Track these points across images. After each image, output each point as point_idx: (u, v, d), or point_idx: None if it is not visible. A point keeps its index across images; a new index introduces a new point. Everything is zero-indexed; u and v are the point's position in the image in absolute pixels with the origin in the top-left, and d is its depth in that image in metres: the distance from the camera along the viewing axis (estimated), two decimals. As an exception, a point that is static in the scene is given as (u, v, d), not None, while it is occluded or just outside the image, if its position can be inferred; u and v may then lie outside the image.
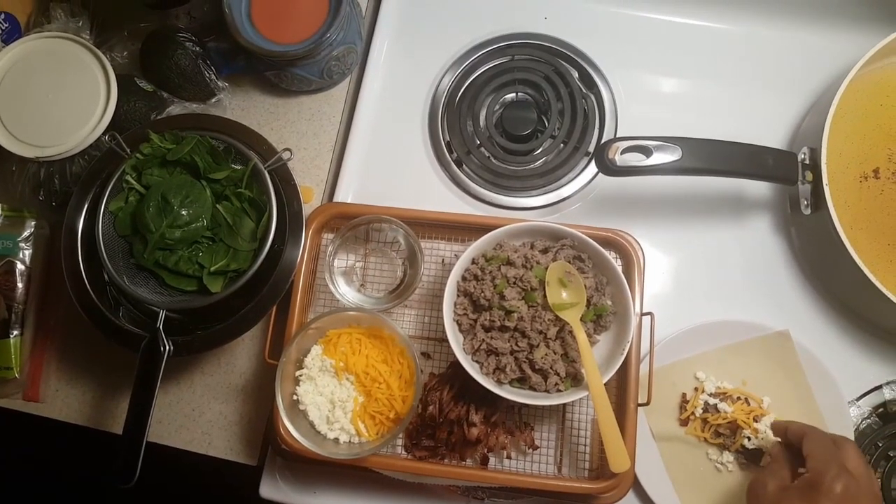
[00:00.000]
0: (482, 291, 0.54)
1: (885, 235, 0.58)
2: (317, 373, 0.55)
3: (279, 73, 0.66)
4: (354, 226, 0.59)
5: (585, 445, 0.57)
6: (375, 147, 0.68)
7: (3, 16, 0.65)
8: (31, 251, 0.64)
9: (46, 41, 0.62)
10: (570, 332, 0.53)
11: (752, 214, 0.64)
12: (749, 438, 0.56)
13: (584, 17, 0.70)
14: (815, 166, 0.57)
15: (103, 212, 0.56)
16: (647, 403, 0.54)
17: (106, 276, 0.58)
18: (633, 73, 0.68)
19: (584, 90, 0.68)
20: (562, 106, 0.67)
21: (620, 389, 0.55)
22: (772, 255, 0.63)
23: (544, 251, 0.56)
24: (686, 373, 0.59)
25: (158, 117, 0.63)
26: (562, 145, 0.66)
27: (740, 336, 0.59)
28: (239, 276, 0.55)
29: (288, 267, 0.57)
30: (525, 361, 0.54)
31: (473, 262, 0.56)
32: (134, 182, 0.58)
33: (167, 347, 0.54)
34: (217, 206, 0.58)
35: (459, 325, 0.56)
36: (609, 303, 0.55)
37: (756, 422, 0.56)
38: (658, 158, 0.55)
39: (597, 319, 0.55)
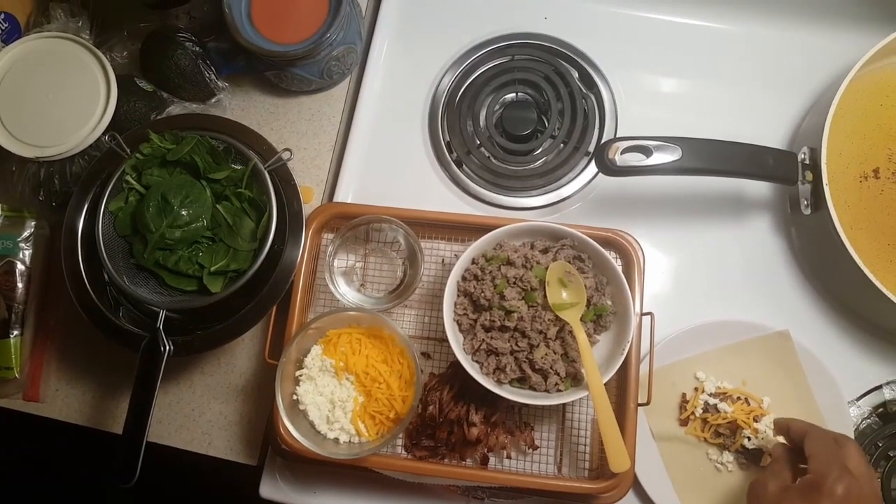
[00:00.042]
0: (482, 291, 0.54)
1: (885, 235, 0.58)
2: (317, 373, 0.55)
3: (279, 73, 0.66)
4: (354, 226, 0.59)
5: (585, 445, 0.57)
6: (375, 147, 0.68)
7: (2, 16, 0.65)
8: (31, 251, 0.64)
9: (46, 41, 0.62)
10: (570, 332, 0.53)
11: (752, 214, 0.64)
12: (749, 438, 0.56)
13: (584, 17, 0.70)
14: (815, 166, 0.57)
15: (103, 212, 0.56)
16: (647, 403, 0.54)
17: (106, 276, 0.58)
18: (633, 73, 0.68)
19: (584, 90, 0.68)
20: (562, 106, 0.67)
21: (620, 389, 0.55)
22: (772, 255, 0.63)
23: (544, 251, 0.56)
24: (686, 373, 0.59)
25: (158, 117, 0.63)
26: (562, 145, 0.66)
27: (740, 336, 0.59)
28: (239, 277, 0.55)
29: (288, 267, 0.57)
30: (525, 361, 0.54)
31: (473, 262, 0.56)
32: (134, 182, 0.58)
33: (167, 347, 0.54)
34: (217, 206, 0.58)
35: (459, 325, 0.56)
36: (609, 303, 0.55)
37: (756, 422, 0.56)
38: (658, 158, 0.55)
39: (597, 319, 0.55)
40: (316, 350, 0.55)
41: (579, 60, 0.68)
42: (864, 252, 0.54)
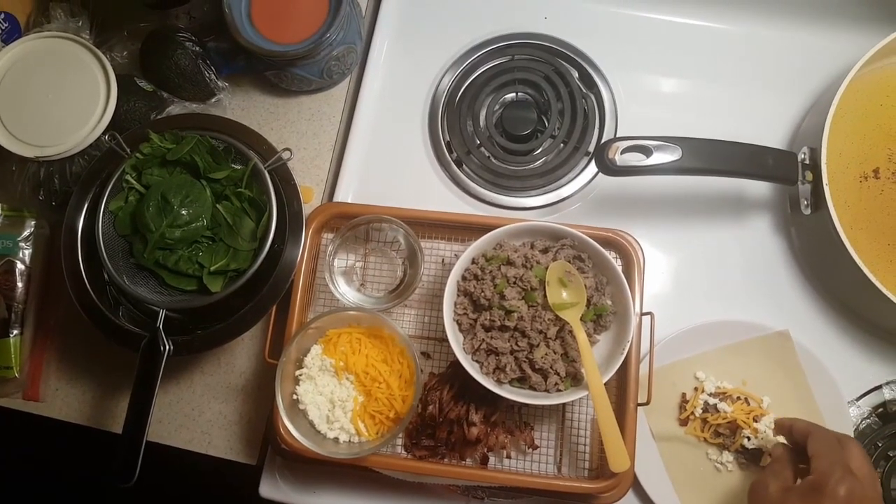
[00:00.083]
0: (482, 291, 0.54)
1: (885, 235, 0.58)
2: (317, 372, 0.55)
3: (279, 73, 0.66)
4: (354, 225, 0.59)
5: (585, 445, 0.57)
6: (375, 147, 0.68)
7: (2, 15, 0.65)
8: (30, 251, 0.64)
9: (46, 41, 0.62)
10: (570, 331, 0.53)
11: (752, 214, 0.64)
12: (749, 438, 0.56)
13: (584, 17, 0.70)
14: (815, 166, 0.57)
15: (103, 211, 0.56)
16: (647, 403, 0.54)
17: (106, 276, 0.58)
18: (633, 72, 0.68)
19: (584, 90, 0.68)
20: (562, 106, 0.67)
21: (620, 389, 0.55)
22: (772, 255, 0.63)
23: (544, 251, 0.56)
24: (686, 373, 0.59)
25: (158, 117, 0.63)
26: (562, 145, 0.66)
27: (740, 336, 0.59)
28: (239, 276, 0.55)
29: (288, 267, 0.57)
30: (525, 361, 0.54)
31: (473, 261, 0.56)
32: (134, 182, 0.58)
33: (167, 347, 0.54)
34: (217, 205, 0.58)
35: (459, 324, 0.56)
36: (609, 302, 0.55)
37: (756, 422, 0.56)
38: (658, 158, 0.55)
39: (597, 319, 0.55)
40: (316, 350, 0.55)
41: (579, 60, 0.68)
42: (864, 252, 0.54)
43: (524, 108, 0.66)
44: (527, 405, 0.56)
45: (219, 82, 0.66)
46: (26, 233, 0.64)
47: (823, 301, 0.61)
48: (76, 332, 0.65)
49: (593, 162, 0.64)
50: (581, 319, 0.53)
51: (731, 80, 0.67)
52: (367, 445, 0.53)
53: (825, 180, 0.55)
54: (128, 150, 0.58)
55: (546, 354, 0.53)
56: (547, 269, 0.54)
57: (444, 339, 0.55)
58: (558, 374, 0.53)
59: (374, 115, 0.68)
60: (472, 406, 0.55)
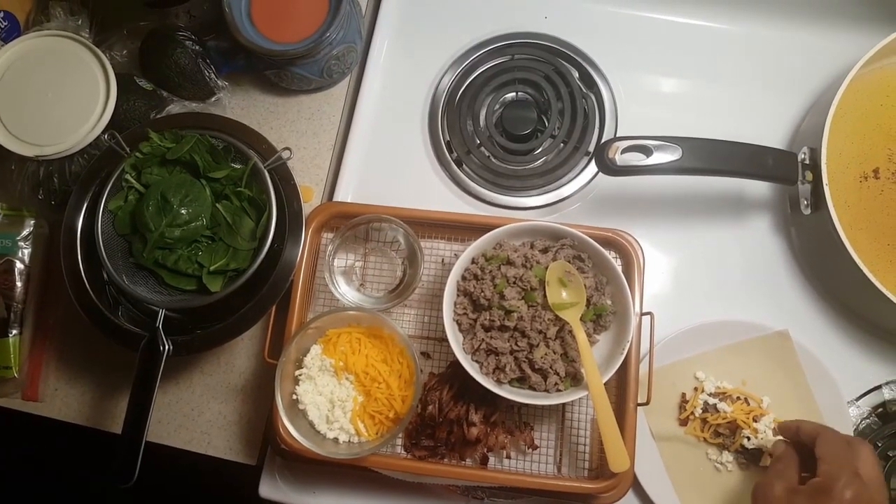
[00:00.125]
0: (482, 291, 0.54)
1: (884, 235, 0.58)
2: (316, 372, 0.55)
3: (279, 72, 0.66)
4: (354, 225, 0.59)
5: (585, 445, 0.57)
6: (375, 146, 0.67)
7: (2, 14, 0.65)
8: (30, 250, 0.64)
9: (46, 40, 0.62)
10: (570, 331, 0.53)
11: (752, 214, 0.64)
12: (749, 438, 0.56)
13: (584, 16, 0.70)
14: (815, 166, 0.57)
15: (102, 211, 0.56)
16: (647, 403, 0.54)
17: (105, 276, 0.57)
18: (633, 72, 0.68)
19: (584, 90, 0.68)
20: (562, 105, 0.67)
21: (620, 389, 0.55)
22: (772, 255, 0.63)
23: (544, 251, 0.56)
24: (686, 373, 0.59)
25: (158, 116, 0.63)
26: (562, 145, 0.66)
27: (740, 336, 0.59)
28: (238, 276, 0.55)
29: (287, 266, 0.57)
30: (525, 361, 0.54)
31: (473, 261, 0.56)
32: (133, 181, 0.58)
33: (166, 347, 0.54)
34: (217, 205, 0.58)
35: (459, 324, 0.56)
36: (609, 302, 0.55)
37: (755, 422, 0.56)
38: (658, 158, 0.55)
39: (596, 319, 0.55)
40: (315, 349, 0.55)
41: (579, 60, 0.68)
42: (864, 252, 0.54)
43: (524, 107, 0.66)
44: (526, 405, 0.56)
45: (218, 81, 0.66)
46: (25, 232, 0.64)
47: (823, 301, 0.61)
48: (75, 332, 0.65)
49: (593, 162, 0.64)
50: (581, 319, 0.53)
51: (731, 80, 0.67)
52: (366, 446, 0.53)
53: (825, 180, 0.55)
54: (127, 150, 0.58)
55: (546, 354, 0.53)
56: (547, 268, 0.54)
57: (444, 339, 0.55)
58: (558, 374, 0.53)
59: (374, 114, 0.68)
60: (472, 406, 0.55)
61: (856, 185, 0.59)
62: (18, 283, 0.63)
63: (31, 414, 0.65)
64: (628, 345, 0.53)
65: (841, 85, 0.57)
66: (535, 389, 0.54)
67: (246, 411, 0.62)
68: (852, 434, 0.56)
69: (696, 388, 0.58)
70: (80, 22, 0.64)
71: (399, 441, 0.57)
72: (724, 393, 0.57)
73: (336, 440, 0.54)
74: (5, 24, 0.65)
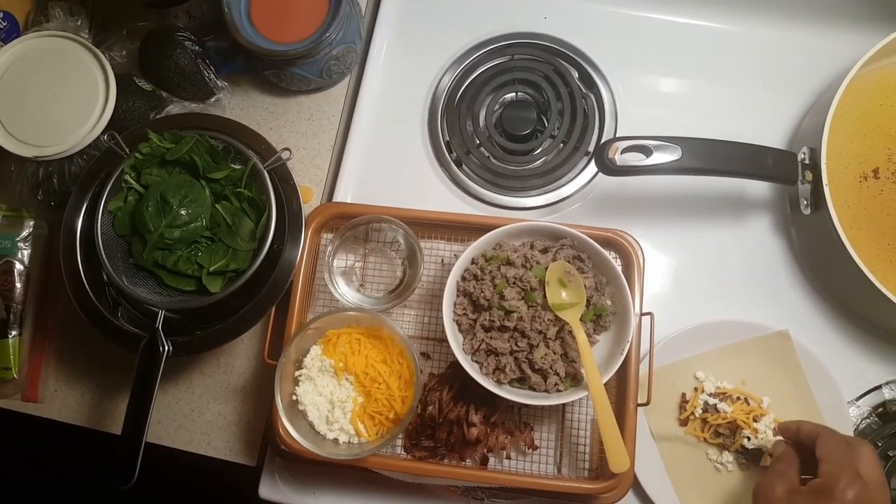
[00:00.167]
0: (482, 291, 0.54)
1: (884, 235, 0.58)
2: (316, 373, 0.55)
3: (278, 73, 0.66)
4: (354, 226, 0.58)
5: (585, 445, 0.57)
6: (375, 147, 0.67)
7: (1, 14, 0.65)
8: (29, 251, 0.64)
9: (45, 40, 0.61)
10: (570, 332, 0.53)
11: (752, 214, 0.64)
12: (749, 438, 0.56)
13: (583, 16, 0.69)
14: (814, 166, 0.57)
15: (102, 211, 0.56)
16: (647, 403, 0.54)
17: (105, 276, 0.57)
18: (632, 72, 0.68)
19: (583, 90, 0.68)
20: (561, 106, 0.67)
21: (620, 389, 0.55)
22: (772, 255, 0.63)
23: (544, 251, 0.56)
24: (686, 373, 0.59)
25: (157, 117, 0.63)
26: (561, 145, 0.66)
27: (740, 336, 0.59)
28: (238, 276, 0.55)
29: (287, 267, 0.57)
30: (525, 361, 0.54)
31: (473, 262, 0.56)
32: (133, 182, 0.58)
33: (166, 348, 0.54)
34: (216, 205, 0.58)
35: (459, 325, 0.56)
36: (609, 303, 0.55)
37: (756, 422, 0.56)
38: (658, 158, 0.55)
39: (596, 319, 0.55)
40: (315, 350, 0.55)
41: (579, 60, 0.68)
42: (864, 252, 0.54)
43: (524, 107, 0.66)
44: (526, 406, 0.56)
45: (218, 82, 0.66)
46: (25, 233, 0.64)
47: (823, 301, 0.61)
48: (75, 333, 0.65)
49: (593, 162, 0.64)
50: (581, 320, 0.53)
51: (731, 80, 0.67)
52: (366, 446, 0.53)
53: (825, 180, 0.55)
54: (127, 150, 0.58)
55: (546, 355, 0.53)
56: (546, 269, 0.54)
57: (444, 340, 0.55)
58: (558, 375, 0.53)
59: (373, 114, 0.68)
60: (472, 406, 0.55)
61: (855, 185, 0.59)
62: (18, 284, 0.63)
63: (31, 414, 0.65)
64: (628, 345, 0.53)
65: (841, 85, 0.57)
66: (535, 390, 0.54)
67: (246, 412, 0.62)
68: (852, 434, 0.56)
69: (696, 389, 0.58)
70: (79, 22, 0.64)
71: (399, 442, 0.57)
72: (725, 393, 0.57)
73: (336, 441, 0.54)
74: (4, 24, 0.65)
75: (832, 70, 0.65)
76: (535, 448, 0.56)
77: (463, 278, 0.56)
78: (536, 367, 0.53)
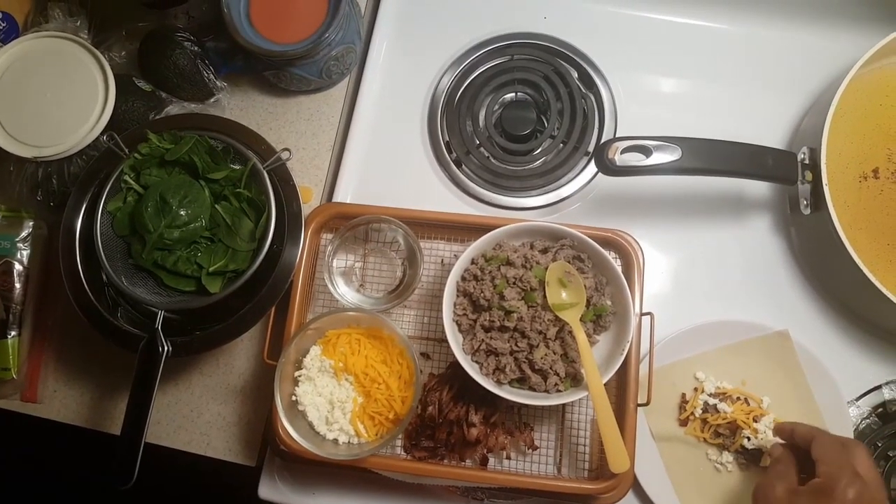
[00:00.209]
0: (482, 292, 0.54)
1: (884, 235, 0.58)
2: (316, 373, 0.55)
3: (278, 73, 0.66)
4: (354, 226, 0.58)
5: (585, 446, 0.57)
6: (375, 147, 0.67)
7: (0, 15, 0.65)
8: (28, 251, 0.64)
9: (44, 41, 0.61)
10: (570, 332, 0.53)
11: (752, 214, 0.64)
12: (749, 439, 0.56)
13: (583, 17, 0.69)
14: (814, 166, 0.56)
15: (101, 212, 0.56)
16: (647, 404, 0.54)
17: (104, 277, 0.57)
18: (632, 72, 0.68)
19: (583, 90, 0.68)
20: (561, 106, 0.67)
21: (620, 389, 0.55)
22: (771, 255, 0.63)
23: (544, 251, 0.56)
24: (686, 373, 0.59)
25: (157, 117, 0.63)
26: (561, 145, 0.66)
27: (740, 336, 0.59)
28: (238, 277, 0.55)
29: (287, 267, 0.57)
30: (525, 362, 0.54)
31: (473, 262, 0.56)
32: (132, 182, 0.58)
33: (166, 348, 0.54)
34: (216, 206, 0.57)
35: (459, 325, 0.56)
36: (609, 303, 0.55)
37: (756, 422, 0.56)
38: (658, 158, 0.55)
39: (596, 319, 0.55)
40: (315, 350, 0.55)
41: (579, 60, 0.68)
42: (864, 252, 0.54)
43: (524, 108, 0.66)
44: (526, 406, 0.56)
45: (217, 82, 0.66)
46: (24, 233, 0.64)
47: (823, 301, 0.61)
48: (74, 334, 0.65)
49: (593, 162, 0.64)
50: (581, 320, 0.53)
51: (731, 80, 0.67)
52: (366, 447, 0.53)
53: (825, 180, 0.55)
54: (126, 151, 0.58)
55: (546, 355, 0.53)
56: (546, 269, 0.54)
57: (444, 340, 0.55)
58: (558, 375, 0.53)
59: (373, 115, 0.68)
60: (472, 407, 0.55)
61: (855, 185, 0.59)
62: (17, 285, 0.63)
63: (30, 415, 0.65)
64: (628, 345, 0.53)
65: (840, 85, 0.57)
66: (534, 390, 0.54)
67: (245, 412, 0.62)
68: (852, 434, 0.56)
69: (696, 389, 0.58)
70: (78, 23, 0.64)
71: (399, 442, 0.57)
72: (724, 393, 0.57)
73: (335, 441, 0.54)
74: (4, 24, 0.65)
75: (832, 70, 0.65)
76: (535, 448, 0.56)
77: (463, 278, 0.56)
78: (536, 367, 0.53)
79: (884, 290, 0.53)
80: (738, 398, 0.57)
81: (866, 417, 0.58)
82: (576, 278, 0.54)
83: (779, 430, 0.51)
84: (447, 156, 0.67)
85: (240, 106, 0.69)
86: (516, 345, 0.54)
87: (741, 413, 0.56)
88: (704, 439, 0.57)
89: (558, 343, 0.54)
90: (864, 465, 0.44)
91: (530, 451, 0.56)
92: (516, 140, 0.66)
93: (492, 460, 0.56)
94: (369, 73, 0.69)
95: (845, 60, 0.58)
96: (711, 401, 0.57)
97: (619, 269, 0.55)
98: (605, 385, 0.51)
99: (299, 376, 0.54)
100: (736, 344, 0.59)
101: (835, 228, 0.54)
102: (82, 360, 0.65)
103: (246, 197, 0.58)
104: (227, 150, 0.59)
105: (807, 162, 0.58)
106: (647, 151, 0.55)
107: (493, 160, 0.66)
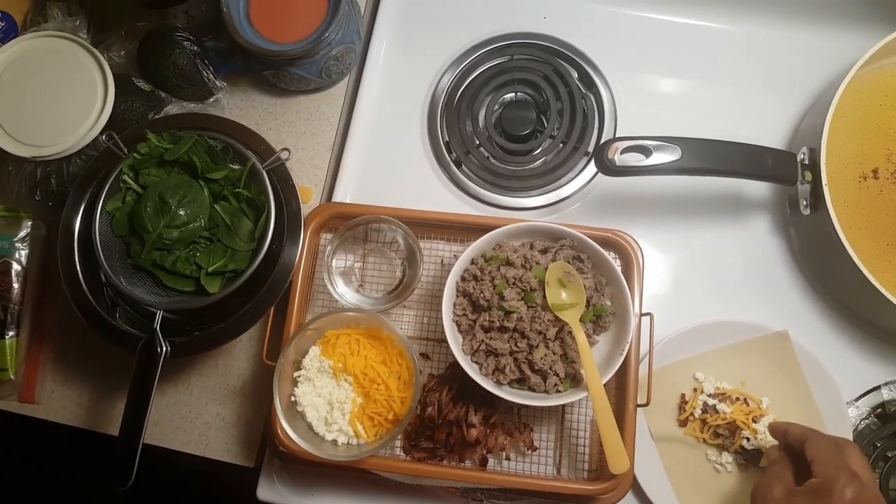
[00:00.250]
0: (481, 292, 0.54)
1: (884, 236, 0.58)
2: (315, 374, 0.54)
3: (277, 73, 0.66)
4: (353, 226, 0.58)
5: (585, 446, 0.57)
6: (374, 147, 0.67)
7: (-1, 14, 0.65)
8: (27, 251, 0.64)
9: (43, 40, 0.61)
10: (570, 332, 0.53)
11: (752, 215, 0.64)
12: (748, 439, 0.56)
13: (583, 16, 0.69)
14: (814, 166, 0.56)
15: (100, 212, 0.56)
16: (647, 404, 0.54)
17: (103, 277, 0.57)
18: (632, 73, 0.68)
19: (583, 90, 0.68)
20: (561, 106, 0.67)
21: (620, 390, 0.55)
22: (771, 256, 0.63)
23: (543, 251, 0.56)
24: (685, 373, 0.59)
25: (156, 117, 0.63)
26: (561, 145, 0.66)
27: (739, 336, 0.59)
28: (237, 277, 0.55)
29: (286, 267, 0.57)
30: (524, 362, 0.53)
31: (473, 262, 0.56)
32: (131, 182, 0.58)
33: (164, 349, 0.54)
34: (215, 206, 0.57)
35: (458, 325, 0.56)
36: (608, 303, 0.55)
37: (755, 422, 0.56)
38: (657, 158, 0.55)
39: (596, 320, 0.55)
40: (314, 351, 0.55)
41: (578, 60, 0.68)
42: (864, 252, 0.54)
43: (523, 108, 0.66)
44: (526, 406, 0.56)
45: (217, 82, 0.66)
46: (23, 233, 0.64)
47: (822, 301, 0.61)
48: (73, 334, 0.65)
49: (593, 162, 0.64)
50: (580, 320, 0.53)
51: (731, 80, 0.67)
52: (365, 447, 0.53)
53: (824, 180, 0.55)
54: (125, 150, 0.58)
55: (545, 355, 0.53)
56: (546, 269, 0.54)
57: (443, 340, 0.55)
58: (557, 375, 0.53)
59: (372, 114, 0.68)
60: (472, 407, 0.55)
61: (855, 186, 0.59)
62: (15, 285, 0.62)
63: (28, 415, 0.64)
64: (628, 345, 0.53)
65: (840, 85, 0.57)
66: (534, 390, 0.53)
67: (244, 413, 0.62)
68: (851, 435, 0.56)
69: (695, 389, 0.58)
70: (77, 22, 0.63)
71: (398, 443, 0.57)
72: (724, 394, 0.57)
73: (335, 442, 0.53)
74: (2, 24, 0.65)
75: (832, 70, 0.65)
76: (535, 449, 0.56)
77: (462, 279, 0.56)
78: (536, 367, 0.53)
79: (883, 291, 0.53)
80: (738, 399, 0.57)
81: (865, 418, 0.58)
82: (575, 278, 0.54)
83: (773, 430, 0.51)
84: (447, 156, 0.67)
85: (239, 106, 0.69)
86: (516, 345, 0.54)
87: (740, 413, 0.56)
88: (704, 440, 0.57)
89: (558, 343, 0.54)
90: (859, 464, 0.44)
91: (530, 451, 0.56)
92: (516, 140, 0.66)
93: (491, 461, 0.56)
94: (369, 73, 0.68)
95: (845, 60, 0.58)
96: (711, 401, 0.57)
97: (619, 269, 0.55)
98: (604, 385, 0.51)
99: (298, 377, 0.54)
100: (735, 344, 0.59)
101: (834, 229, 0.54)
102: (80, 360, 0.65)
103: (245, 197, 0.57)
104: (226, 149, 0.59)
105: (806, 162, 0.58)
106: (646, 151, 0.55)
107: (492, 160, 0.66)
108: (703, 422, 0.57)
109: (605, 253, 0.55)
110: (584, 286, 0.54)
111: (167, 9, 0.68)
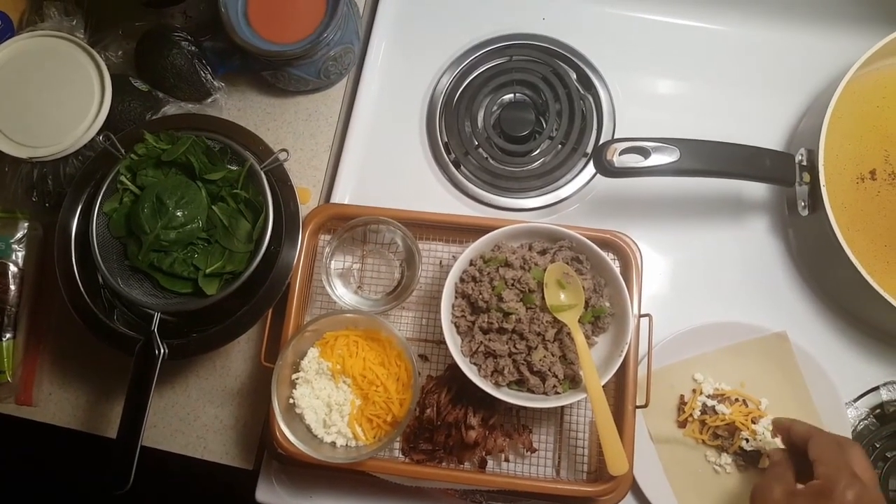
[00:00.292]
0: (480, 293, 0.54)
1: (882, 237, 0.58)
2: (313, 376, 0.54)
3: (276, 73, 0.66)
4: (352, 227, 0.58)
5: (584, 448, 0.57)
6: (373, 148, 0.67)
7: (-5, 14, 0.65)
8: (24, 253, 0.63)
9: (40, 40, 0.61)
10: (569, 333, 0.53)
11: (750, 216, 0.64)
12: (747, 440, 0.56)
13: (582, 18, 0.69)
14: (812, 167, 0.57)
15: (97, 213, 0.55)
16: (646, 405, 0.54)
17: (100, 278, 0.57)
18: (631, 74, 0.68)
19: (582, 91, 0.68)
20: (560, 107, 0.67)
21: (619, 391, 0.55)
22: (769, 257, 0.63)
23: (542, 252, 0.56)
24: (684, 374, 0.59)
25: (153, 117, 0.63)
26: (560, 146, 0.66)
27: (738, 337, 0.59)
28: (235, 278, 0.54)
29: (284, 269, 0.56)
30: (523, 364, 0.53)
31: (471, 263, 0.56)
32: (128, 183, 0.57)
33: (162, 351, 0.53)
34: (213, 207, 0.57)
35: (457, 327, 0.56)
36: (607, 304, 0.55)
37: (754, 423, 0.56)
38: (656, 159, 0.55)
39: (595, 321, 0.55)
40: (313, 353, 0.55)
41: (577, 61, 0.68)
42: (861, 253, 0.54)
43: (522, 109, 0.66)
44: (525, 408, 0.56)
45: (215, 82, 0.65)
46: (19, 234, 0.63)
47: (821, 302, 0.61)
48: (70, 336, 0.64)
49: (591, 163, 0.64)
50: (579, 321, 0.53)
51: (729, 82, 0.67)
52: (364, 449, 0.53)
53: (822, 182, 0.55)
54: (122, 151, 0.57)
55: (544, 357, 0.53)
56: (545, 270, 0.54)
57: (442, 342, 0.55)
58: (556, 377, 0.53)
59: (371, 115, 0.68)
60: (470, 409, 0.55)
61: (853, 187, 0.59)
62: (12, 287, 0.62)
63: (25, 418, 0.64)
64: (627, 347, 0.53)
65: (838, 86, 0.57)
66: (533, 392, 0.53)
67: (242, 415, 0.62)
68: (850, 435, 0.56)
69: (694, 390, 0.58)
70: (74, 22, 0.63)
71: (397, 445, 0.57)
72: (723, 395, 0.57)
73: (333, 444, 0.53)
74: (-1, 24, 0.65)
75: (830, 71, 0.65)
76: (534, 451, 0.56)
77: (461, 280, 0.56)
78: (535, 369, 0.53)
79: (881, 292, 0.53)
80: (737, 400, 0.57)
81: (864, 418, 0.58)
82: (574, 280, 0.54)
83: (776, 425, 0.51)
84: (446, 157, 0.67)
85: (237, 106, 0.69)
86: (515, 346, 0.53)
87: (739, 414, 0.56)
88: (703, 441, 0.57)
89: (557, 345, 0.54)
90: (861, 465, 0.44)
91: (529, 453, 0.56)
92: (515, 141, 0.66)
93: (490, 463, 0.56)
94: (368, 74, 0.68)
95: (843, 62, 0.59)
96: (710, 402, 0.57)
97: (618, 270, 0.55)
98: (603, 387, 0.51)
99: (297, 379, 0.54)
100: (734, 345, 0.59)
101: (832, 230, 0.54)
102: (78, 362, 0.64)
103: (243, 198, 0.57)
104: (224, 150, 0.59)
105: (804, 163, 0.58)
106: (645, 153, 0.55)
107: (491, 161, 0.66)
108: (703, 423, 0.57)
109: (604, 254, 0.55)
110: (583, 287, 0.54)
111: (165, 8, 0.67)
